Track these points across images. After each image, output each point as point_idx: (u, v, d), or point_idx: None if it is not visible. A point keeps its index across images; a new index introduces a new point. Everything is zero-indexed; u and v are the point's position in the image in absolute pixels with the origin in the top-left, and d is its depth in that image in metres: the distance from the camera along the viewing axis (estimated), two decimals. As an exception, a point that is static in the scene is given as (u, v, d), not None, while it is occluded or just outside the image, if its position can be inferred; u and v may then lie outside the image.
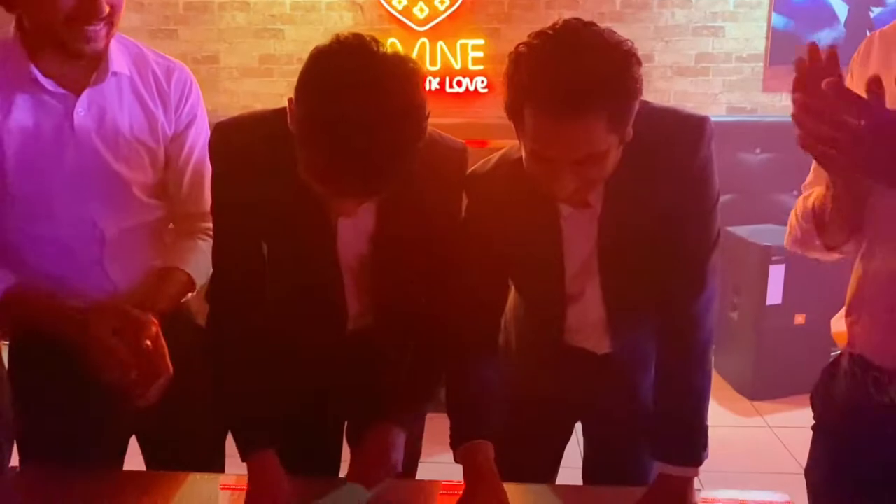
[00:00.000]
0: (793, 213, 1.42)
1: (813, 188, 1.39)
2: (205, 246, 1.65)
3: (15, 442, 1.68)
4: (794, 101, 1.09)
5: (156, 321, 1.49)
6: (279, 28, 4.31)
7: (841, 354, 1.45)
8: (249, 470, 1.40)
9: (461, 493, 1.36)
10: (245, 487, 1.41)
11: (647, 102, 1.33)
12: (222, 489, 1.52)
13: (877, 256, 1.31)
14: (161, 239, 1.67)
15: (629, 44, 1.19)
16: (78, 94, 1.50)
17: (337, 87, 1.13)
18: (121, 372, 1.43)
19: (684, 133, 1.34)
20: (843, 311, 1.43)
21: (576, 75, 1.14)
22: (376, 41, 1.18)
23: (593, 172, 1.24)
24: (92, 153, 1.51)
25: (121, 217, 1.57)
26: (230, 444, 1.80)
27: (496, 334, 1.56)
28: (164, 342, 1.48)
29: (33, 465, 1.62)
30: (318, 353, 1.55)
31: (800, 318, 3.76)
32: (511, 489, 1.36)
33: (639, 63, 1.20)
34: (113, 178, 1.54)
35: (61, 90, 1.49)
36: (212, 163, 1.44)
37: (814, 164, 1.40)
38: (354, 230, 1.40)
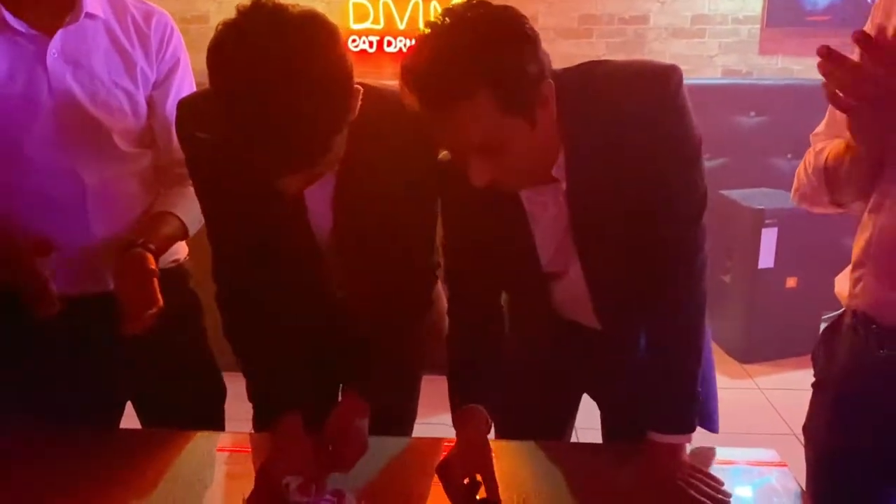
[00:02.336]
0: (801, 166, 1.39)
1: (824, 141, 1.36)
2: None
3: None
4: (820, 54, 1.05)
5: (151, 255, 1.47)
6: (269, -12, 4.25)
7: (844, 312, 1.47)
8: (274, 431, 1.39)
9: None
10: (242, 450, 1.42)
11: (606, 61, 1.29)
12: (219, 451, 1.52)
13: (883, 213, 1.30)
14: (147, 190, 1.63)
15: (514, 21, 1.14)
16: (51, 36, 1.47)
17: (241, 63, 1.07)
18: (121, 305, 1.42)
19: (647, 86, 1.24)
20: (847, 270, 1.44)
21: (446, 59, 1.10)
22: (282, 8, 1.11)
23: (506, 159, 1.18)
24: (68, 97, 1.48)
25: (102, 166, 1.53)
26: (230, 407, 1.83)
27: (489, 309, 1.52)
28: (157, 275, 1.46)
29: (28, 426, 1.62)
30: (307, 321, 1.55)
31: (791, 282, 3.78)
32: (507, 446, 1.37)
33: (528, 40, 1.14)
34: (92, 123, 1.50)
35: (33, 31, 1.46)
36: (180, 145, 1.42)
37: (827, 114, 1.39)
38: (322, 201, 1.38)
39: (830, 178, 1.30)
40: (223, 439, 1.59)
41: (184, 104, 1.38)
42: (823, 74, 1.09)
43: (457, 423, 1.40)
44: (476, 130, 1.13)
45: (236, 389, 1.83)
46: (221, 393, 1.84)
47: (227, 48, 1.09)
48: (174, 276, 1.72)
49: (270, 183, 1.20)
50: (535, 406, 1.62)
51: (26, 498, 1.36)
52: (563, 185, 1.30)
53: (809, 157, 1.37)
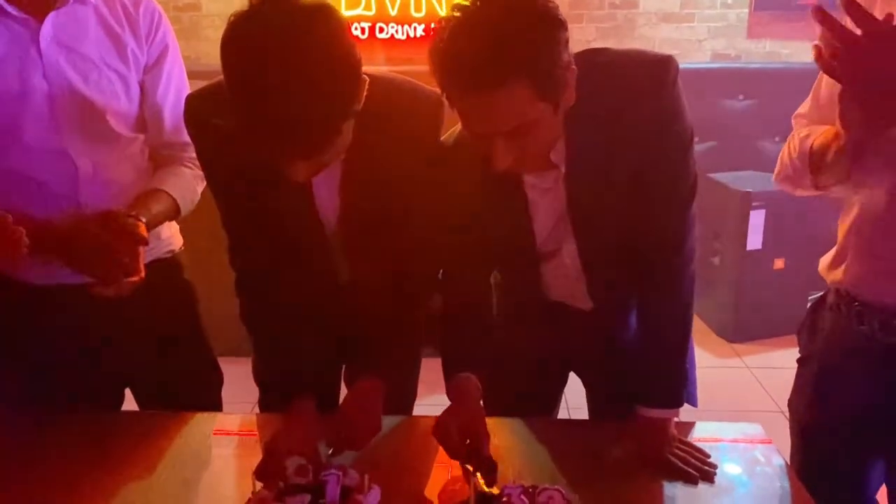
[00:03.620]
0: (785, 148, 1.42)
1: (807, 124, 1.39)
2: (189, 173, 1.66)
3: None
4: (815, 16, 1.06)
5: (142, 225, 1.48)
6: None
7: (827, 291, 1.52)
8: (287, 411, 1.43)
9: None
10: (242, 432, 1.45)
11: (606, 49, 1.31)
12: (215, 434, 1.55)
13: (866, 195, 1.34)
14: (139, 176, 1.65)
15: (548, 6, 1.14)
16: (42, 20, 1.49)
17: (253, 53, 1.10)
18: (104, 262, 1.43)
19: (647, 76, 1.27)
20: (832, 250, 1.48)
21: (487, 45, 1.09)
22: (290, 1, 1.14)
23: (529, 143, 1.20)
24: (61, 79, 1.50)
25: (95, 149, 1.55)
26: (226, 392, 1.87)
27: (480, 288, 1.56)
28: (146, 244, 1.48)
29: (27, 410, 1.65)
30: (314, 304, 1.57)
31: (779, 263, 3.83)
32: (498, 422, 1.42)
33: (561, 27, 1.15)
34: (84, 105, 1.52)
35: (25, 15, 1.48)
36: (190, 138, 1.45)
37: (811, 96, 1.42)
38: (329, 187, 1.41)
39: (815, 163, 1.33)
40: (221, 420, 1.62)
41: (193, 97, 1.40)
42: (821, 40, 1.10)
43: (450, 392, 1.44)
44: (511, 116, 1.15)
45: (232, 374, 1.87)
46: (218, 380, 1.87)
47: (239, 39, 1.12)
48: (169, 266, 1.76)
49: (280, 171, 1.22)
50: (524, 385, 1.66)
51: (27, 480, 1.39)
52: (562, 170, 1.33)
53: (794, 141, 1.40)
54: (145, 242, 1.47)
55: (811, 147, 1.33)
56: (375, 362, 1.49)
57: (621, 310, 1.56)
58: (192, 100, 1.40)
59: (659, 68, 1.27)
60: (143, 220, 1.48)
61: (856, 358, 1.42)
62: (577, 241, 1.42)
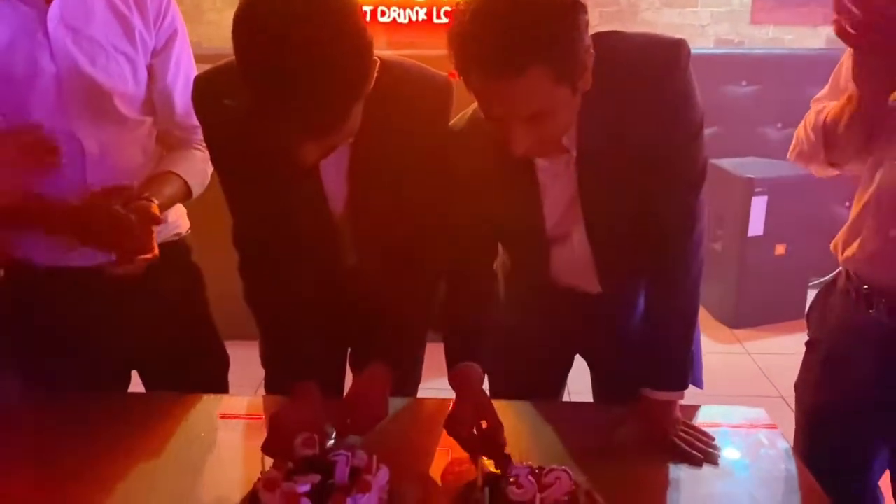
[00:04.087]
0: (801, 125, 1.43)
1: (825, 102, 1.40)
2: (200, 156, 1.66)
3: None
4: None
5: (155, 205, 1.49)
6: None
7: (837, 274, 1.52)
8: (291, 393, 1.43)
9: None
10: (246, 415, 1.46)
11: (617, 33, 1.31)
12: (221, 418, 1.56)
13: (884, 171, 1.34)
14: (147, 159, 1.65)
15: None
16: (49, 2, 1.48)
17: (263, 32, 1.10)
18: (119, 236, 1.45)
19: (658, 59, 1.28)
20: (843, 231, 1.48)
21: (508, 31, 1.09)
22: None
23: (547, 128, 1.21)
24: (69, 62, 1.50)
25: (102, 131, 1.55)
26: (233, 374, 1.87)
27: (485, 279, 1.57)
28: (160, 223, 1.50)
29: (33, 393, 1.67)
30: (320, 288, 1.58)
31: (780, 249, 3.84)
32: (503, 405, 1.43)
33: (582, 10, 1.15)
34: (92, 87, 1.52)
35: None
36: (198, 120, 1.45)
37: (830, 80, 1.42)
38: (337, 172, 1.41)
39: (829, 135, 1.33)
40: (228, 402, 1.63)
41: (201, 79, 1.40)
42: (836, 10, 1.11)
43: (453, 381, 1.44)
44: (532, 100, 1.15)
45: (239, 357, 1.87)
46: (225, 362, 1.88)
47: (251, 18, 1.12)
48: (176, 249, 1.76)
49: (288, 154, 1.22)
50: (530, 368, 1.66)
51: (33, 462, 1.40)
52: (574, 154, 1.33)
53: (810, 115, 1.40)
54: (159, 221, 1.48)
55: (825, 120, 1.34)
56: (382, 349, 1.49)
57: (629, 294, 1.57)
58: (200, 81, 1.40)
59: (671, 52, 1.27)
60: (157, 201, 1.49)
61: (863, 342, 1.43)
62: (587, 225, 1.42)
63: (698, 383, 1.56)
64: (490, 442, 1.32)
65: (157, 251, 1.48)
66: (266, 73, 1.11)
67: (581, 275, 1.52)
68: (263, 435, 1.34)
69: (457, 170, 1.42)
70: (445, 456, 1.41)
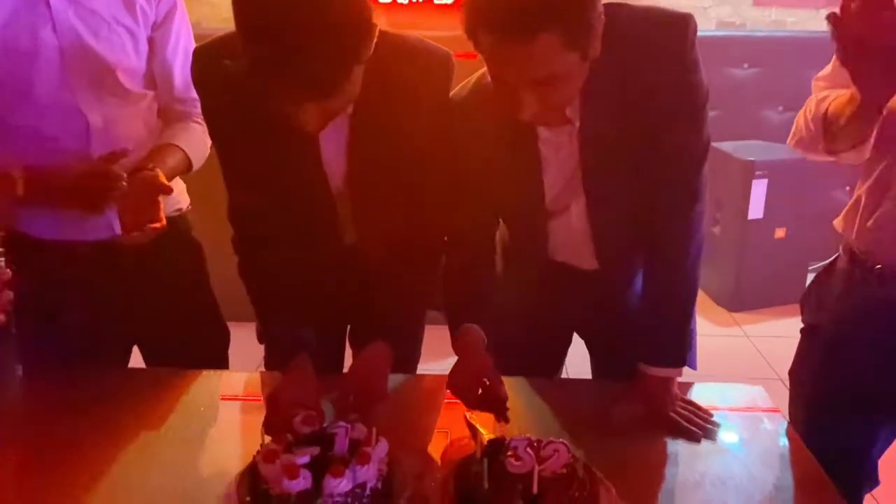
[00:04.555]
0: (802, 112, 1.42)
1: (826, 87, 1.38)
2: (199, 129, 1.66)
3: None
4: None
5: (161, 174, 1.50)
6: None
7: (837, 257, 1.52)
8: (285, 369, 1.43)
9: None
10: (246, 392, 1.47)
11: (625, 4, 1.31)
12: (223, 399, 1.55)
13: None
14: (150, 133, 1.65)
15: None
16: None
17: None
18: (125, 202, 1.47)
19: (666, 33, 1.28)
20: (846, 209, 1.48)
21: None
22: None
23: (557, 93, 1.21)
24: (72, 34, 1.50)
25: (105, 104, 1.56)
26: (233, 355, 1.88)
27: (485, 249, 1.57)
28: (168, 193, 1.51)
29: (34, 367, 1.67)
30: (318, 264, 1.58)
31: (780, 232, 3.84)
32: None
33: None
34: (95, 60, 1.53)
35: None
36: (197, 91, 1.44)
37: (833, 60, 1.39)
38: (336, 146, 1.41)
39: (829, 127, 1.33)
40: (228, 377, 1.63)
41: (200, 49, 1.39)
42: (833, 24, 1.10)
43: (457, 346, 1.45)
44: (542, 65, 1.15)
45: (240, 338, 1.87)
46: (225, 337, 1.88)
47: None
48: (177, 224, 1.75)
49: (288, 121, 1.22)
50: (529, 345, 1.67)
51: (32, 436, 1.40)
52: (577, 125, 1.33)
53: (811, 104, 1.39)
54: (167, 190, 1.50)
55: (826, 112, 1.33)
56: (383, 327, 1.50)
57: (626, 271, 1.57)
58: (199, 51, 1.39)
59: (679, 26, 1.28)
60: (161, 171, 1.50)
61: (869, 324, 1.41)
62: (588, 198, 1.42)
63: (692, 364, 1.57)
64: (492, 397, 1.33)
65: (164, 221, 1.49)
66: (267, 30, 1.11)
67: (578, 250, 1.52)
68: (263, 411, 1.35)
69: (458, 139, 1.42)
70: (444, 432, 1.42)
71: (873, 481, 1.56)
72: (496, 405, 1.32)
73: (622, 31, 1.25)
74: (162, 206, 1.50)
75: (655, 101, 1.29)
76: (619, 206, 1.43)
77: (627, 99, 1.29)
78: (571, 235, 1.49)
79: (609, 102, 1.30)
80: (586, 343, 1.76)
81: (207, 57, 1.37)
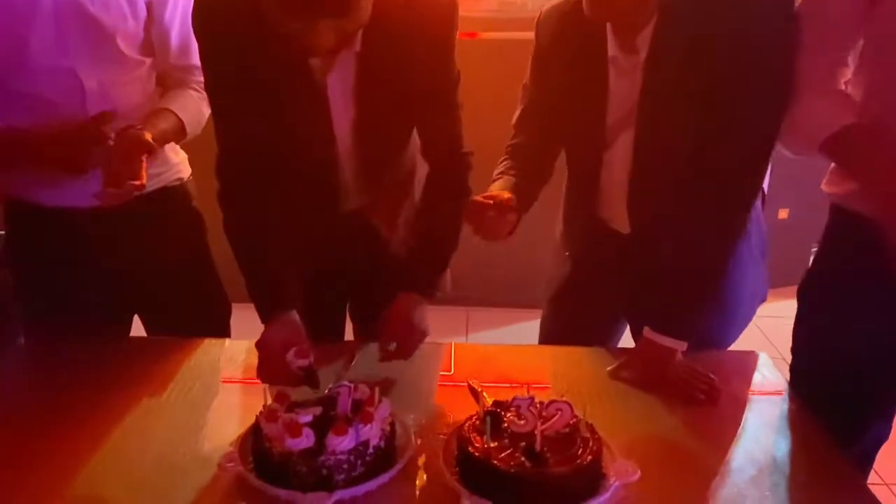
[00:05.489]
0: (799, 112, 1.34)
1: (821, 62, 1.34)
2: (196, 96, 1.65)
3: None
4: None
5: (152, 143, 1.48)
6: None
7: (827, 224, 1.49)
8: (264, 333, 1.39)
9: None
10: (247, 381, 1.47)
11: None
12: (224, 382, 1.52)
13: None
14: (147, 100, 1.64)
15: None
16: None
17: None
18: (108, 162, 1.44)
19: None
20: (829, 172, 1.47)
21: None
22: None
23: None
24: None
25: (102, 69, 1.54)
26: (234, 321, 1.87)
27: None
28: (152, 151, 1.48)
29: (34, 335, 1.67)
30: (316, 233, 1.57)
31: (783, 213, 3.83)
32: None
33: None
34: (91, 24, 1.51)
35: None
36: (197, 40, 1.42)
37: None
38: (342, 90, 1.39)
39: (825, 150, 1.30)
40: (230, 346, 1.63)
41: (201, 0, 1.37)
42: None
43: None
44: None
45: (241, 319, 1.86)
46: (227, 308, 1.88)
47: None
48: (178, 194, 1.76)
49: (300, 45, 1.20)
50: (579, 319, 1.70)
51: (33, 404, 1.40)
52: (643, 56, 1.36)
53: (810, 115, 1.32)
54: (150, 149, 1.47)
55: (824, 141, 1.29)
56: (414, 278, 1.49)
57: (659, 235, 1.49)
58: (197, 2, 1.37)
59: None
60: (149, 133, 1.48)
61: (873, 288, 1.36)
62: (637, 132, 1.41)
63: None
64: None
65: (145, 180, 1.45)
66: None
67: (617, 204, 1.51)
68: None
69: (539, 49, 1.52)
70: (443, 394, 1.42)
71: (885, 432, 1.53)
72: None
73: None
74: (144, 164, 1.46)
75: (738, 52, 1.30)
76: (666, 148, 1.41)
77: (700, 47, 1.31)
78: (612, 177, 1.49)
79: (679, 45, 1.32)
80: (629, 323, 1.74)
81: (210, 3, 1.36)
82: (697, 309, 1.46)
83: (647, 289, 1.51)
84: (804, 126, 1.33)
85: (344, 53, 1.33)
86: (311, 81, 1.35)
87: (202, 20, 1.37)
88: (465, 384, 1.43)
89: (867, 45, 1.32)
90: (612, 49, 1.40)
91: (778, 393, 1.45)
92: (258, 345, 1.36)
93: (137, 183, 1.43)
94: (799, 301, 1.55)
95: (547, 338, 1.80)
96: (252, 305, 1.44)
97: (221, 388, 1.48)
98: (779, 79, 1.32)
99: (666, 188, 1.45)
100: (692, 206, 1.40)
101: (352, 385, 1.22)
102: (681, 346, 1.44)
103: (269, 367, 1.33)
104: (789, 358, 1.61)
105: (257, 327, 1.40)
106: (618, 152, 1.47)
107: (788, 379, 1.53)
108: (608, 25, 1.40)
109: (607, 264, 1.62)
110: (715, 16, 1.31)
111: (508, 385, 1.43)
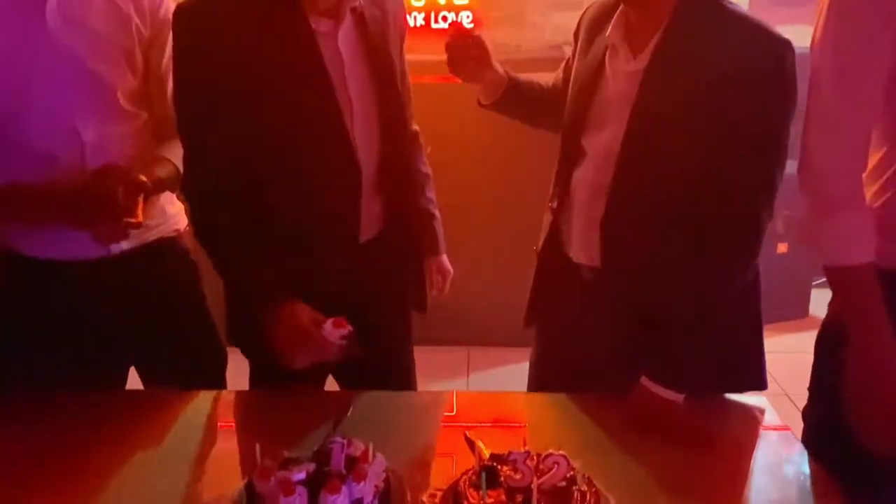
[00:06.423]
0: (811, 223, 1.35)
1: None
2: None
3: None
4: None
5: (148, 183, 1.49)
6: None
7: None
8: (279, 322, 1.36)
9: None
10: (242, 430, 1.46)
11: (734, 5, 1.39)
12: (221, 427, 1.53)
13: None
14: (146, 151, 1.64)
15: None
16: None
17: None
18: (106, 209, 1.43)
19: (776, 39, 1.34)
20: None
21: None
22: None
23: None
24: (67, 52, 1.51)
25: (101, 122, 1.56)
26: (230, 380, 1.86)
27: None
28: (148, 191, 1.49)
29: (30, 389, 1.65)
30: (329, 266, 1.51)
31: (782, 248, 3.83)
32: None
33: None
34: (91, 78, 1.53)
35: None
36: (177, 38, 1.42)
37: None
38: (351, 55, 1.44)
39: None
40: (226, 397, 1.62)
41: (183, 2, 1.42)
42: None
43: None
44: None
45: (239, 360, 1.85)
46: (223, 358, 1.87)
47: None
48: (174, 245, 1.76)
49: (298, 44, 1.31)
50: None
51: (28, 458, 1.39)
52: (643, 65, 1.39)
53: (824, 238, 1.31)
54: (147, 189, 1.47)
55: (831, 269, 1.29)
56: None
57: (632, 266, 1.48)
58: (181, 5, 1.41)
59: (778, 47, 1.33)
60: (146, 178, 1.49)
61: None
62: (626, 132, 1.41)
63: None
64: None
65: (141, 219, 1.45)
66: None
67: (591, 226, 1.49)
68: (259, 430, 1.33)
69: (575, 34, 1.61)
70: (442, 447, 1.41)
71: None
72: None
73: (723, 25, 1.34)
74: (141, 203, 1.46)
75: (739, 99, 1.32)
76: (655, 182, 1.40)
77: (699, 80, 1.34)
78: (591, 180, 1.49)
79: (679, 64, 1.36)
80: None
81: (191, 2, 1.40)
82: (693, 355, 1.42)
83: (637, 336, 1.48)
84: (818, 235, 1.32)
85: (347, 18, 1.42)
86: (319, 52, 1.40)
87: (185, 16, 1.39)
88: (462, 433, 1.42)
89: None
90: (613, 37, 1.44)
91: (782, 441, 1.43)
92: (284, 332, 1.34)
93: (134, 221, 1.44)
94: (816, 352, 1.49)
95: (536, 383, 1.75)
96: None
97: (219, 437, 1.47)
98: (770, 136, 1.35)
99: (645, 219, 1.43)
100: (686, 255, 1.39)
101: (345, 440, 1.20)
102: (680, 397, 1.41)
103: (308, 347, 1.31)
104: (792, 394, 1.60)
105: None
106: (604, 138, 1.46)
107: (801, 432, 1.48)
108: (615, 14, 1.46)
109: (577, 305, 1.59)
110: (714, 48, 1.33)
111: (506, 425, 1.41)
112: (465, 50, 1.55)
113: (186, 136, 1.48)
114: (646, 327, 1.46)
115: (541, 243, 1.65)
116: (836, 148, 1.27)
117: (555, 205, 1.60)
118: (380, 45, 1.49)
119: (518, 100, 1.66)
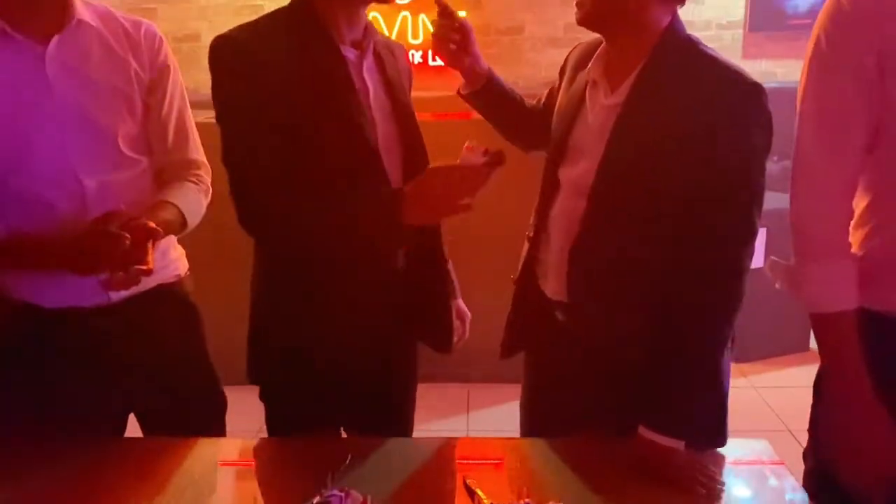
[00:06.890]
0: (803, 258, 1.37)
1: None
2: (194, 188, 1.67)
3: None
4: None
5: (158, 229, 1.47)
6: (259, 4, 4.28)
7: None
8: (404, 194, 1.37)
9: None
10: (244, 464, 1.44)
11: (709, 50, 1.43)
12: (221, 465, 1.53)
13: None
14: (147, 196, 1.64)
15: None
16: (47, 44, 1.51)
17: None
18: (114, 255, 1.41)
19: (751, 86, 1.37)
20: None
21: None
22: None
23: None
24: (68, 101, 1.52)
25: (102, 169, 1.56)
26: (229, 419, 1.86)
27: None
28: (157, 237, 1.47)
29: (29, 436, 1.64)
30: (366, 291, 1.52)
31: (781, 280, 3.83)
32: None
33: None
34: (92, 126, 1.54)
35: (31, 41, 1.50)
36: (214, 68, 1.42)
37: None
38: (374, 80, 1.50)
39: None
40: (226, 445, 1.61)
41: (220, 35, 1.43)
42: None
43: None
44: None
45: (238, 401, 1.85)
46: (222, 404, 1.86)
47: None
48: (175, 290, 1.76)
49: (329, 70, 1.36)
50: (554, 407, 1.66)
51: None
52: (619, 101, 1.42)
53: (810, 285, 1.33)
54: (155, 234, 1.45)
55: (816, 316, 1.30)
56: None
57: (599, 303, 1.48)
58: (221, 36, 1.42)
59: (754, 92, 1.38)
60: (152, 223, 1.47)
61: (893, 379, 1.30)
62: (598, 172, 1.43)
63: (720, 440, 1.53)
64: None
65: (152, 265, 1.44)
66: None
67: (561, 259, 1.50)
68: (261, 478, 1.31)
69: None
70: (440, 496, 1.39)
71: None
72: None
73: (702, 61, 1.39)
74: (150, 250, 1.45)
75: (713, 123, 1.35)
76: (624, 219, 1.42)
77: (673, 117, 1.36)
78: (563, 210, 1.51)
79: (652, 106, 1.39)
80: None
81: (230, 34, 1.42)
82: (690, 399, 1.42)
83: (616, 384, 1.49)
84: (801, 280, 1.34)
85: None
86: (351, 79, 1.45)
87: (222, 47, 1.41)
88: (462, 481, 1.41)
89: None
90: (594, 72, 1.49)
91: (782, 483, 1.42)
92: (422, 190, 1.35)
93: (145, 268, 1.43)
94: (814, 395, 1.48)
95: (527, 427, 1.75)
96: (247, 386, 1.47)
97: (218, 485, 1.46)
98: (741, 177, 1.37)
99: (615, 254, 1.44)
100: (666, 302, 1.41)
101: (343, 492, 1.20)
102: (681, 444, 1.40)
103: (453, 189, 1.32)
104: (792, 429, 1.58)
105: (249, 410, 1.36)
106: (577, 170, 1.49)
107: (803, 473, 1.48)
108: (596, 53, 1.50)
109: (551, 342, 1.61)
110: (688, 88, 1.37)
111: (506, 472, 1.40)
112: (448, 30, 1.60)
113: (232, 164, 1.45)
114: (628, 373, 1.47)
115: (518, 273, 1.67)
116: (818, 197, 1.29)
117: (531, 234, 1.62)
118: (396, 81, 1.55)
119: (496, 99, 1.72)
